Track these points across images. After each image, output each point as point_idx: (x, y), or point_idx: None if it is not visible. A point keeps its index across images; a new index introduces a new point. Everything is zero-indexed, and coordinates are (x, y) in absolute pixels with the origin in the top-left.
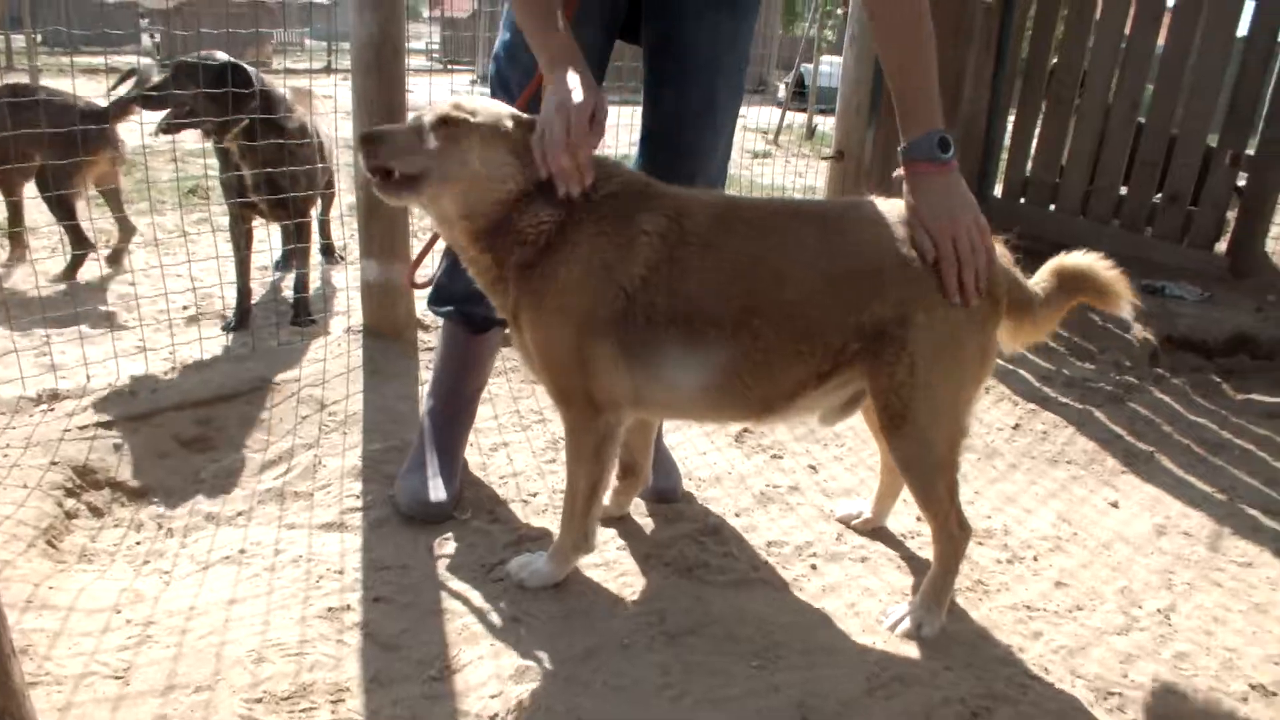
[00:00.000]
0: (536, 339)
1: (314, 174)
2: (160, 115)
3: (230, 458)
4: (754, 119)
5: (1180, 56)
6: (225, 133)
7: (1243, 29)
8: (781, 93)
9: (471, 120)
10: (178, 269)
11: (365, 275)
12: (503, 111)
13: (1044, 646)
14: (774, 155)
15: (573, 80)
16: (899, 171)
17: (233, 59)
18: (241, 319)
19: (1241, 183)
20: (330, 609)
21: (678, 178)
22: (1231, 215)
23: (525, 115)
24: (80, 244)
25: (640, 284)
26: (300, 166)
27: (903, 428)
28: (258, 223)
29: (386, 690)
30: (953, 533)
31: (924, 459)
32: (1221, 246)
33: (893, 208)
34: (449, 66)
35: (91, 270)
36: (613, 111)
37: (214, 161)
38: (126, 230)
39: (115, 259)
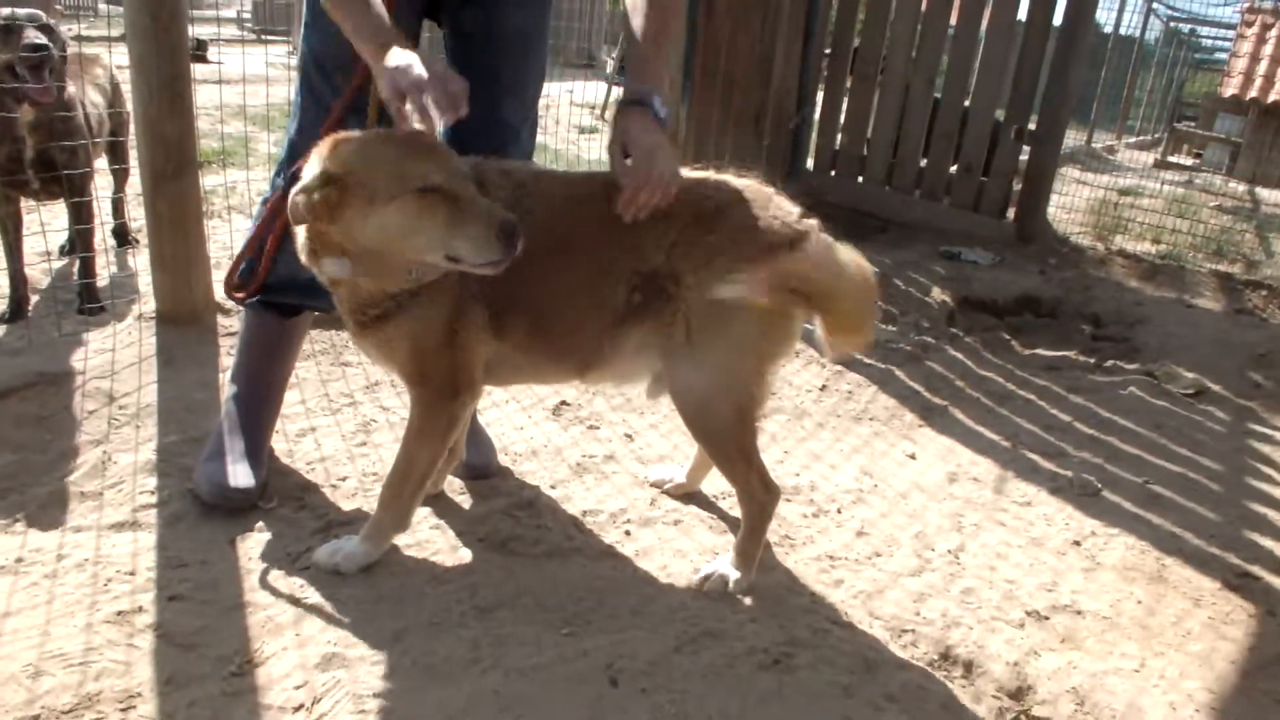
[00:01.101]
0: (412, 329)
1: (86, 149)
2: None
3: (4, 460)
4: (581, 94)
5: (971, 36)
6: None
7: (1022, 13)
8: (610, 68)
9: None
10: None
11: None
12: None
13: (845, 593)
14: (600, 130)
15: (414, 59)
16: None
17: (43, 17)
18: (16, 308)
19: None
20: (120, 613)
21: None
22: (1018, 185)
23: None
24: None
25: None
26: (74, 140)
27: (685, 394)
28: (29, 203)
29: (183, 691)
30: (756, 495)
31: (708, 424)
32: (1011, 214)
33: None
34: (261, 37)
35: None
36: None
37: None
38: None
39: None
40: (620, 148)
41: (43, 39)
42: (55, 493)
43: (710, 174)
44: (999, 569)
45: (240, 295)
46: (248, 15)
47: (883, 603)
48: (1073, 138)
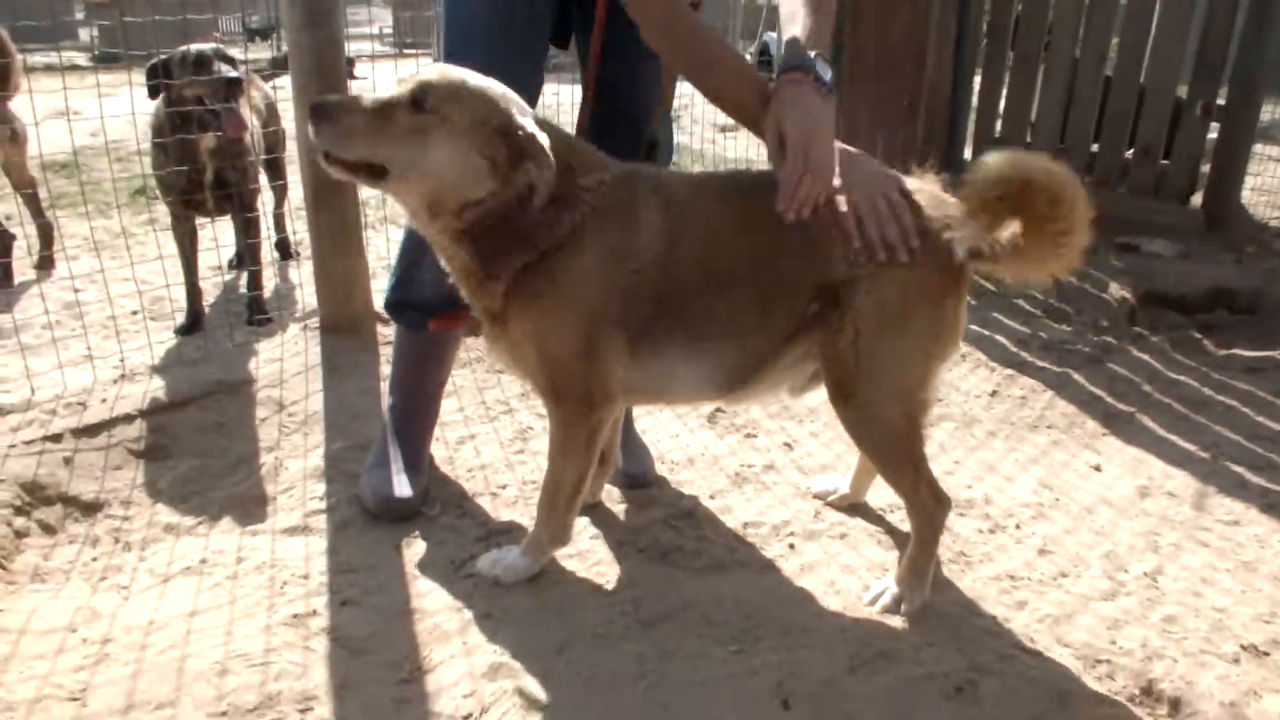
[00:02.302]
0: (540, 335)
1: (255, 167)
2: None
3: (187, 465)
4: None
5: (1145, 7)
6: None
7: None
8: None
9: (444, 114)
10: (124, 273)
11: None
12: (493, 99)
13: (1029, 616)
14: (739, 129)
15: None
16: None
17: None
18: (193, 321)
19: (1214, 134)
20: (296, 615)
21: (634, 147)
22: (1206, 167)
23: (518, 112)
24: (1, 245)
25: (644, 269)
26: (245, 159)
27: (850, 399)
28: (203, 221)
29: (356, 695)
30: (926, 506)
31: (874, 432)
32: (1197, 199)
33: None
34: (403, 51)
35: (29, 277)
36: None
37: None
38: (47, 235)
39: (43, 265)
40: (777, 133)
41: (233, 72)
42: (233, 497)
43: (896, 174)
44: (1205, 596)
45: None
46: (388, 30)
47: (1072, 629)
48: (1267, 111)
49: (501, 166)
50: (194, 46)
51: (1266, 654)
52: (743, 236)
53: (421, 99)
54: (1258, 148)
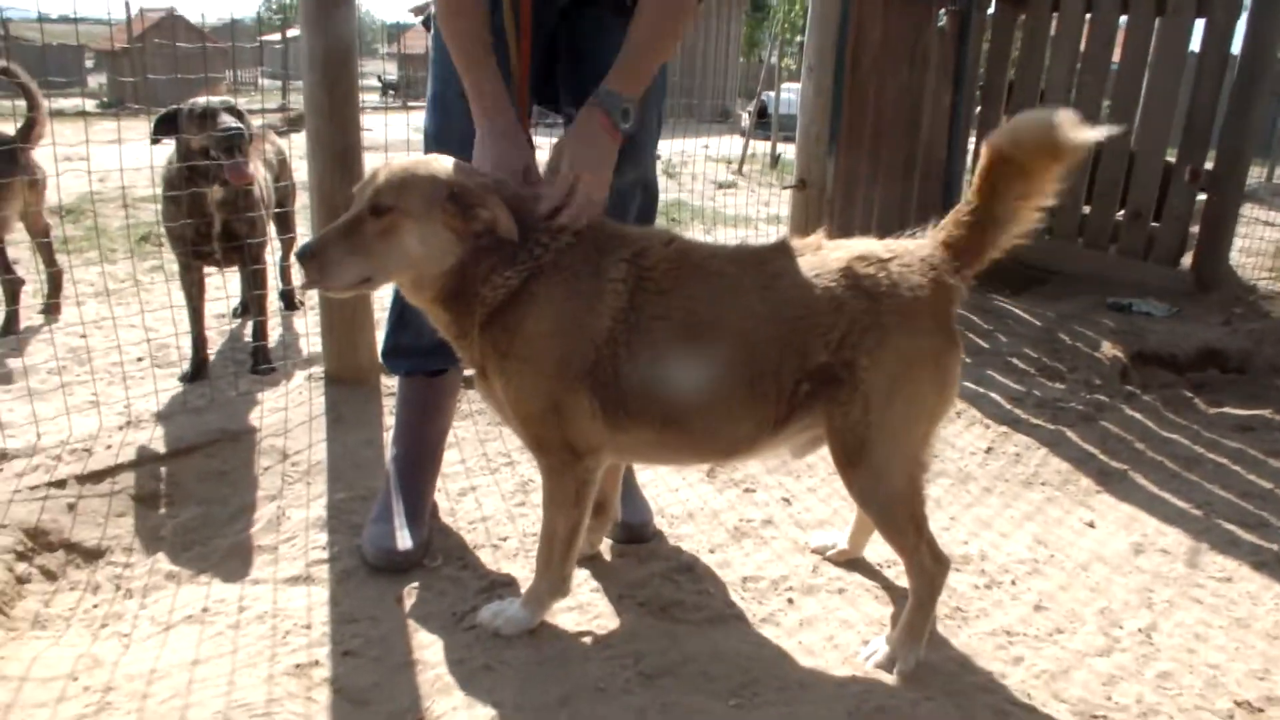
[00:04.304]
0: (509, 391)
1: (263, 220)
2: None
3: (190, 513)
4: (717, 149)
5: (1135, 74)
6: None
7: (1194, 44)
8: (745, 122)
9: (402, 208)
10: (131, 319)
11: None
12: (436, 173)
13: (1025, 672)
14: (739, 185)
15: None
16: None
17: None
18: (198, 369)
19: (1202, 197)
20: (298, 665)
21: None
22: (1195, 229)
23: (456, 174)
24: (11, 291)
25: (607, 335)
26: (253, 212)
27: (858, 466)
28: (210, 270)
29: None
30: (925, 566)
31: (881, 494)
32: (1187, 261)
33: (826, 252)
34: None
35: (36, 323)
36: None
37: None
38: (56, 283)
39: (49, 311)
40: (558, 155)
41: (235, 123)
42: (236, 546)
43: (865, 245)
44: (1199, 652)
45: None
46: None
47: (1068, 684)
48: (1254, 175)
49: (462, 228)
50: (202, 99)
51: (1260, 710)
52: (721, 315)
53: (379, 204)
54: (1245, 210)
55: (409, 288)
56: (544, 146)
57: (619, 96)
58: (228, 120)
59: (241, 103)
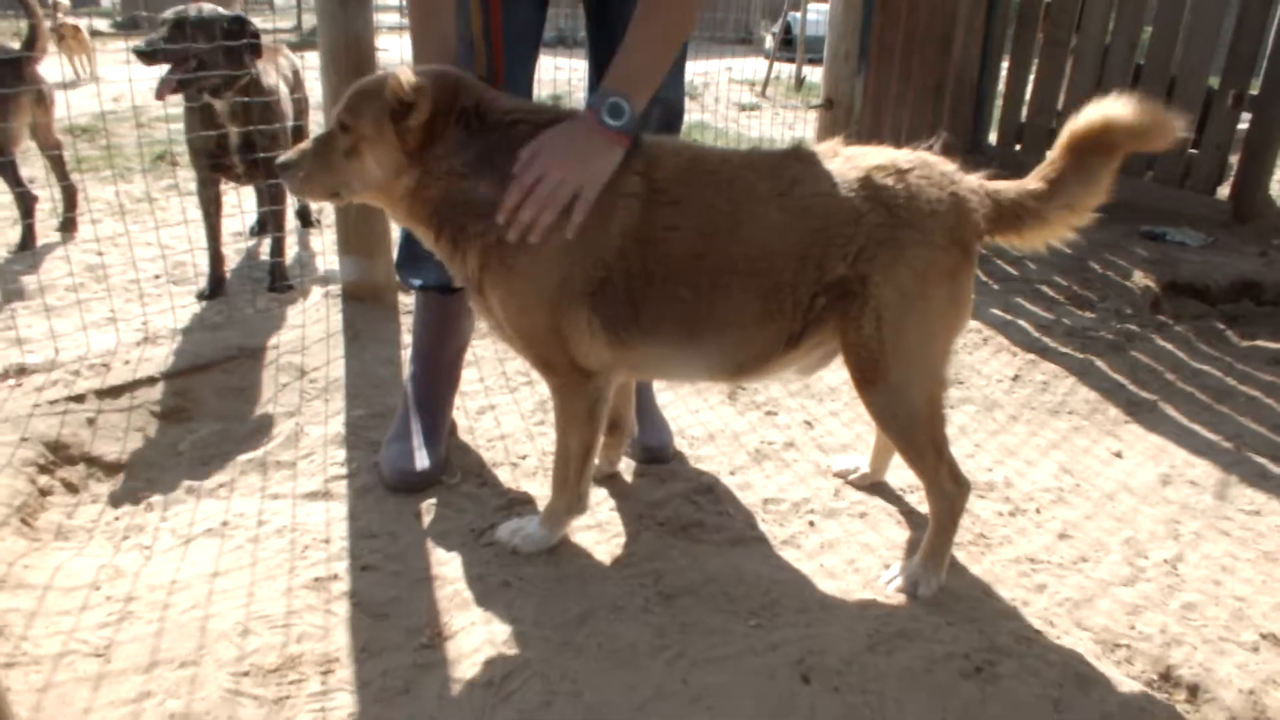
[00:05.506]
0: (508, 310)
1: (285, 133)
2: (155, 71)
3: (209, 429)
4: (740, 71)
5: None
6: (228, 89)
7: None
8: (769, 43)
9: (359, 130)
10: (147, 237)
11: (343, 274)
12: (383, 94)
13: (1048, 599)
14: (762, 107)
15: None
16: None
17: (230, 11)
18: (215, 286)
19: (1244, 125)
20: (317, 579)
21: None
22: (1234, 158)
23: (418, 82)
24: (25, 206)
25: (618, 252)
26: (274, 124)
27: (876, 383)
28: (227, 186)
29: (377, 660)
30: (945, 489)
31: (900, 414)
32: (1225, 191)
33: (844, 160)
34: None
35: (53, 240)
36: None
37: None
38: (71, 197)
39: (66, 228)
40: (532, 149)
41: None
42: (255, 461)
43: (883, 154)
44: (1225, 584)
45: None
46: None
47: (1091, 612)
48: None
49: (408, 133)
50: (174, 11)
51: None
52: (736, 226)
53: (343, 122)
54: None
55: (386, 208)
56: (562, 68)
57: (608, 92)
58: (157, 35)
59: (258, 22)
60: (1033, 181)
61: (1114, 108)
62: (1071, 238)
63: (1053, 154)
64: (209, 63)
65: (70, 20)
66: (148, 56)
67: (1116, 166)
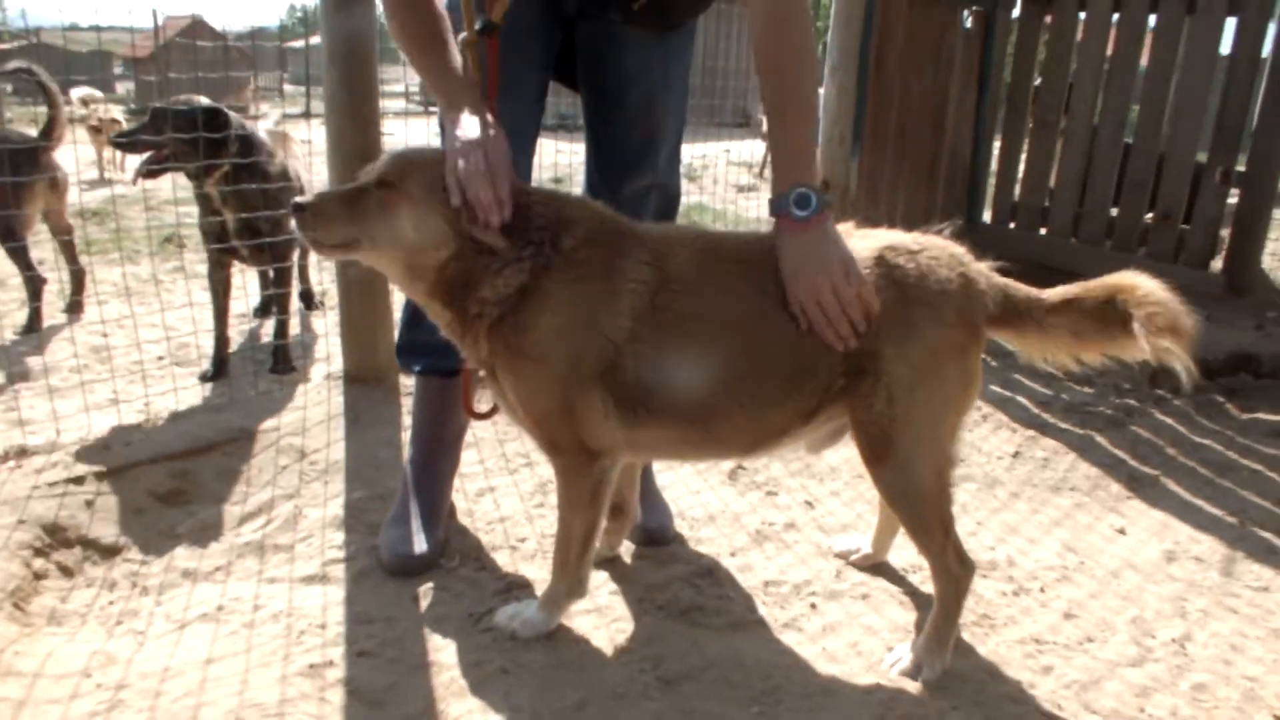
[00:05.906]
0: (519, 391)
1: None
2: (138, 160)
3: (207, 511)
4: (738, 153)
5: (1164, 75)
6: (208, 177)
7: (1225, 47)
8: (765, 125)
9: (404, 188)
10: (152, 318)
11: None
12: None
13: (1055, 681)
14: (759, 188)
15: (474, 120)
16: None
17: (210, 103)
18: (219, 368)
19: (1234, 200)
20: (312, 665)
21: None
22: (1226, 233)
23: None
24: (34, 288)
25: (628, 335)
26: (280, 211)
27: (885, 460)
28: (236, 268)
29: None
30: (951, 569)
31: (909, 491)
32: (1218, 264)
33: (858, 240)
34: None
35: (59, 322)
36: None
37: (190, 209)
38: (79, 280)
39: (73, 310)
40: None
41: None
42: (252, 544)
43: (895, 236)
44: (1235, 663)
45: (480, 415)
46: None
47: (1100, 695)
48: None
49: (457, 221)
50: (165, 102)
51: None
52: (763, 315)
53: (384, 178)
54: (1278, 213)
55: (403, 278)
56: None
57: (786, 188)
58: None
59: (265, 108)
60: (1049, 293)
61: (1144, 279)
62: (1074, 369)
63: (1083, 284)
64: (184, 152)
65: (110, 115)
66: (126, 145)
67: (1134, 339)
